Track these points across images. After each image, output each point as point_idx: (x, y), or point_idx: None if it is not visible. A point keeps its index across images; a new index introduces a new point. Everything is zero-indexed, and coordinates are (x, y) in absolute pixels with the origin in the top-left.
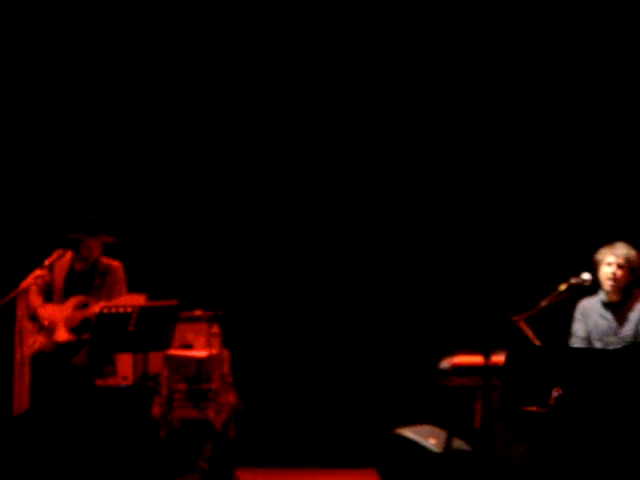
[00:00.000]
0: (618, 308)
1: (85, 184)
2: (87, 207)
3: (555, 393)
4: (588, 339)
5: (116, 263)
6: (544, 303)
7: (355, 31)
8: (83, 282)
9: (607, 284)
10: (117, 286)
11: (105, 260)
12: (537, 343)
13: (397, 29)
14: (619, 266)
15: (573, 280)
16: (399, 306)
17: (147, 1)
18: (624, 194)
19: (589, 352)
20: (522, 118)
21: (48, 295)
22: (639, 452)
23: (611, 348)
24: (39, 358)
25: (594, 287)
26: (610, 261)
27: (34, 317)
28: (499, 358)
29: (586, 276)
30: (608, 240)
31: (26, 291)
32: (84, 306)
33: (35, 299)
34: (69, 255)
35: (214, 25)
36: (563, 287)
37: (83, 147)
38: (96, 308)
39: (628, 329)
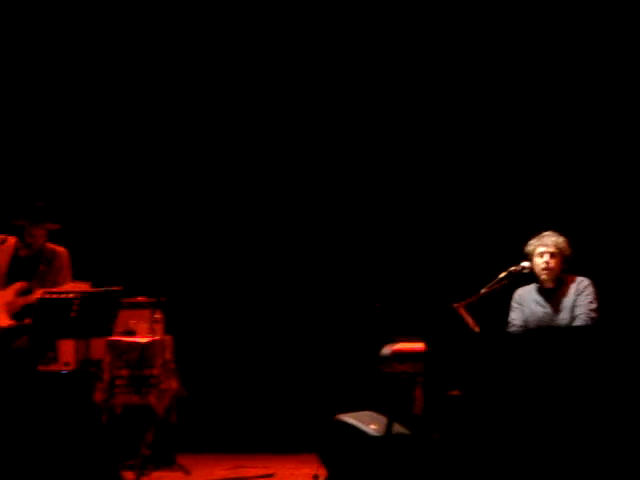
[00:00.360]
0: (552, 294)
1: (29, 170)
2: (32, 194)
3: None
4: (525, 327)
5: (61, 249)
6: (484, 291)
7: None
8: (28, 268)
9: (542, 274)
10: (62, 272)
11: (50, 246)
12: (477, 330)
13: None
14: (551, 255)
15: (512, 268)
16: (340, 293)
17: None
18: (561, 183)
19: (509, 336)
20: (467, 113)
21: None
22: (574, 434)
23: None
24: None
25: (533, 275)
26: (541, 251)
27: None
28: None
29: (526, 264)
30: (547, 228)
31: None
32: (26, 292)
33: None
34: (13, 241)
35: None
36: (503, 275)
37: (29, 134)
38: (38, 294)
39: (564, 316)
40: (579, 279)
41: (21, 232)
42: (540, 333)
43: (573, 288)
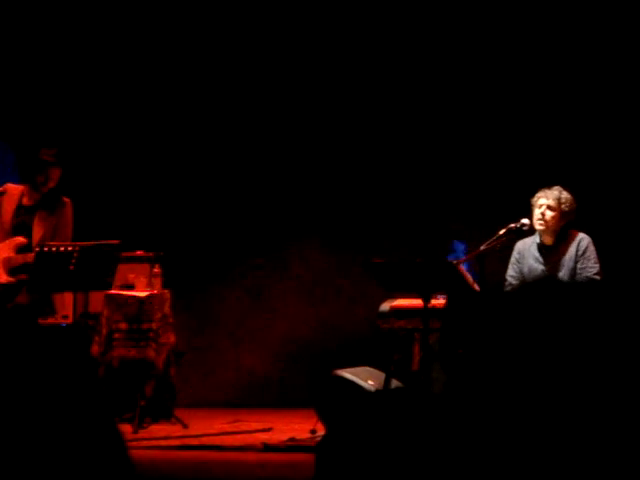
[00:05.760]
0: (552, 251)
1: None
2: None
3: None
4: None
5: (66, 199)
6: (483, 247)
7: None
8: (31, 215)
9: (537, 225)
10: (62, 220)
11: (55, 194)
12: (475, 287)
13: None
14: (549, 208)
15: (512, 225)
16: (339, 249)
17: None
18: (565, 139)
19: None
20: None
21: None
22: (566, 394)
23: None
24: None
25: (533, 232)
26: (541, 203)
27: None
28: (438, 301)
29: (525, 221)
30: (555, 184)
31: None
32: (26, 248)
33: None
34: (20, 189)
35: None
36: (502, 232)
37: (37, 83)
38: (37, 249)
39: (563, 275)
40: (579, 237)
41: (33, 176)
42: (538, 287)
43: (573, 247)
